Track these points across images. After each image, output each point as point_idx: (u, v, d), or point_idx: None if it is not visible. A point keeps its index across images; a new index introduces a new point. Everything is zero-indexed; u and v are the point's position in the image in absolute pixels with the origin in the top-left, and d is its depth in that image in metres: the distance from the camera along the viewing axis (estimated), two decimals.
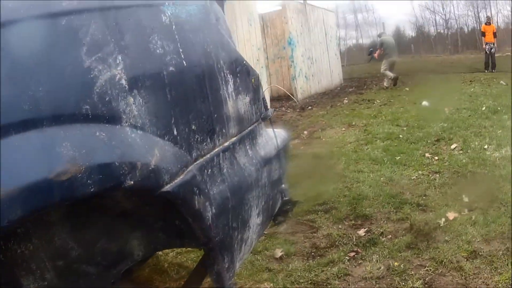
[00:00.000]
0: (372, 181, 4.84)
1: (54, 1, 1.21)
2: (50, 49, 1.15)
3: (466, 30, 34.78)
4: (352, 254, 3.30)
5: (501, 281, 2.79)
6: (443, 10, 35.57)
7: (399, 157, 5.78)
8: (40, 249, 1.37)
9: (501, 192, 4.22)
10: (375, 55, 14.71)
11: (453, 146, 6.10)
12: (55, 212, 1.36)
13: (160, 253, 3.13)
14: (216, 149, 1.73)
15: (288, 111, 11.27)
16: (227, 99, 1.82)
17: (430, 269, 3.01)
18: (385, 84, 14.45)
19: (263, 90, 2.28)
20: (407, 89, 13.46)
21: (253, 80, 2.10)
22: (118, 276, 1.61)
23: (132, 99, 1.32)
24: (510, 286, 2.75)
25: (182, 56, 1.56)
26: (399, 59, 16.72)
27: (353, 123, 8.58)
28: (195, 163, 1.57)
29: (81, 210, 1.37)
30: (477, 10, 33.30)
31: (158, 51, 1.47)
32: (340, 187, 4.75)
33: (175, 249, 3.28)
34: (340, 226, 3.79)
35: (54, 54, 1.15)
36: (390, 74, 14.22)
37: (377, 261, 3.17)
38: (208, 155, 1.67)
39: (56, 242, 1.41)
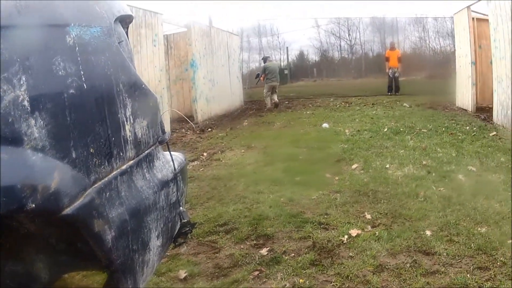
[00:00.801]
0: (272, 202, 4.92)
1: None
2: None
3: (371, 55, 36.13)
4: (256, 273, 3.34)
5: None
6: (348, 36, 36.97)
7: (299, 177, 5.90)
8: None
9: (404, 208, 4.44)
10: (261, 78, 15.85)
11: (354, 166, 6.33)
12: None
13: (66, 276, 3.04)
14: (114, 172, 1.73)
15: (188, 132, 11.22)
16: (125, 122, 1.83)
17: (337, 284, 3.09)
18: (267, 106, 15.60)
19: (162, 113, 2.30)
20: (308, 111, 13.87)
21: (151, 103, 2.12)
22: None
23: (33, 121, 1.32)
24: None
25: (83, 78, 1.56)
26: (304, 83, 17.32)
27: (253, 145, 8.65)
28: (93, 186, 1.57)
29: None
30: (384, 36, 34.69)
31: (60, 72, 1.46)
32: (240, 208, 4.79)
33: (81, 272, 3.19)
34: (242, 246, 3.83)
35: None
36: (268, 103, 15.67)
37: (281, 279, 3.22)
38: (106, 178, 1.67)
39: None
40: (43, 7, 1.50)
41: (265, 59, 16.72)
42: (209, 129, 11.73)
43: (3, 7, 1.32)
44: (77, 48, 1.57)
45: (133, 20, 2.36)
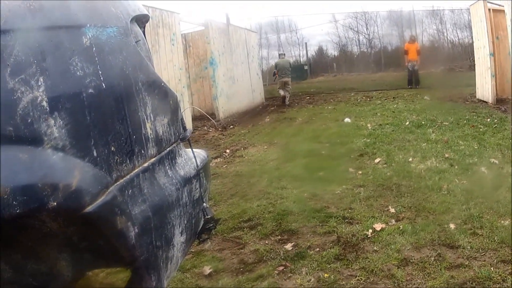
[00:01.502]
0: (296, 197, 4.93)
1: None
2: None
3: (389, 48, 35.69)
4: (280, 268, 3.35)
5: (435, 286, 2.91)
6: (366, 30, 36.58)
7: (322, 172, 5.92)
8: None
9: (428, 202, 4.42)
10: (276, 75, 16.48)
11: (376, 160, 6.30)
12: None
13: (90, 273, 3.08)
14: (136, 170, 1.73)
15: (210, 130, 11.28)
16: (146, 120, 1.83)
17: (361, 279, 3.09)
18: (281, 95, 16.10)
19: (183, 110, 2.31)
20: (329, 107, 13.81)
21: (171, 101, 2.13)
22: None
23: (53, 121, 1.33)
24: None
25: (101, 78, 1.57)
26: (325, 78, 17.48)
27: (275, 141, 8.68)
28: (115, 184, 1.57)
29: (9, 231, 1.36)
30: (402, 29, 34.25)
31: (78, 73, 1.47)
32: (264, 203, 4.80)
33: (105, 269, 3.23)
34: (266, 242, 3.84)
35: None
36: (281, 93, 16.10)
37: (306, 273, 3.22)
38: (128, 176, 1.67)
39: None
40: (57, 8, 1.51)
41: (279, 56, 17.44)
42: (231, 126, 11.77)
43: (18, 9, 1.34)
44: (94, 49, 1.58)
45: (151, 20, 2.36)
